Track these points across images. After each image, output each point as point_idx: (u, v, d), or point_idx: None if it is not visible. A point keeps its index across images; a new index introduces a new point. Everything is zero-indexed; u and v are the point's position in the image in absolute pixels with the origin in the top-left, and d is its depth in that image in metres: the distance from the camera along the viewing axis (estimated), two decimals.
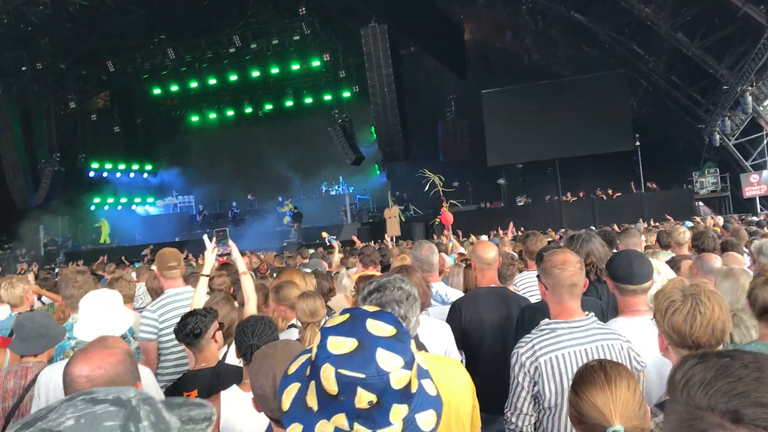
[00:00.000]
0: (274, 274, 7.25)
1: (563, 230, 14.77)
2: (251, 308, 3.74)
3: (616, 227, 10.85)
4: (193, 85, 29.08)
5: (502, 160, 24.81)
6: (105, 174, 29.18)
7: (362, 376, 1.07)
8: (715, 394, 0.89)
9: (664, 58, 20.36)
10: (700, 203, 21.84)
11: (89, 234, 27.46)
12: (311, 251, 10.88)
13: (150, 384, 2.85)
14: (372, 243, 12.60)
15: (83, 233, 27.65)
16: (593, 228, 13.17)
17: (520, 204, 23.93)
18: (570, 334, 2.51)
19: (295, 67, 26.92)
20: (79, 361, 1.97)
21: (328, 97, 27.59)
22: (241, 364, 2.72)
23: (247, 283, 3.84)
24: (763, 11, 15.83)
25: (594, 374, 1.76)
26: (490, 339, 3.60)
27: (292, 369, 1.25)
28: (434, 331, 3.03)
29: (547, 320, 2.61)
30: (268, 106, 30.08)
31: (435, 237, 15.27)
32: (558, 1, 21.19)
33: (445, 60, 23.09)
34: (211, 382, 2.84)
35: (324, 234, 10.25)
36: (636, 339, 2.60)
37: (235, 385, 2.50)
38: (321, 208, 25.04)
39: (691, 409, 0.91)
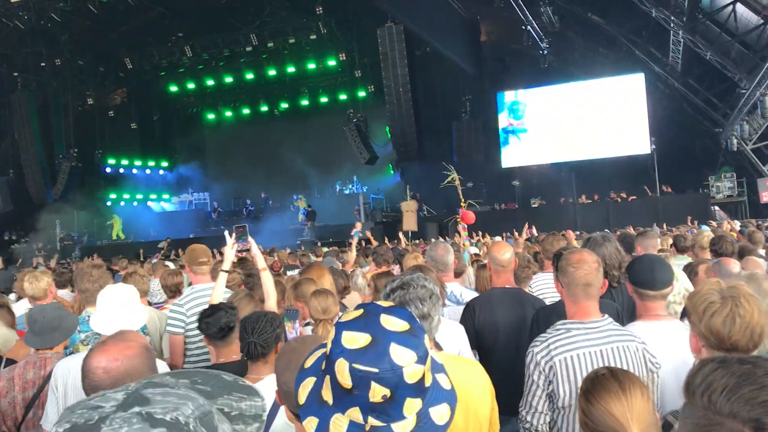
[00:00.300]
0: (287, 272, 7.30)
1: (577, 232, 14.63)
2: (271, 304, 3.74)
3: (631, 230, 10.75)
4: (210, 83, 29.34)
5: (517, 162, 24.76)
6: (121, 170, 29.48)
7: (376, 370, 1.08)
8: (737, 401, 0.88)
9: (681, 62, 20.18)
10: (716, 207, 21.57)
11: (105, 229, 27.67)
12: (325, 249, 10.91)
13: None
14: (387, 241, 12.64)
15: (99, 228, 27.84)
16: (607, 231, 13.05)
17: (534, 206, 23.79)
18: (585, 335, 2.51)
19: (311, 66, 27.02)
20: (97, 353, 2.02)
21: (343, 97, 27.56)
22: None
23: (267, 280, 3.84)
24: None
25: (607, 382, 1.74)
26: (504, 340, 3.60)
27: (309, 363, 1.26)
28: (448, 332, 3.03)
29: (562, 320, 2.61)
30: (284, 105, 30.14)
31: (447, 237, 15.24)
32: (576, 2, 21.09)
33: (461, 61, 23.05)
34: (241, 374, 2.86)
35: (358, 224, 10.17)
36: (654, 343, 2.59)
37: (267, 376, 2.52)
38: (335, 207, 24.99)
39: (711, 414, 0.91)
